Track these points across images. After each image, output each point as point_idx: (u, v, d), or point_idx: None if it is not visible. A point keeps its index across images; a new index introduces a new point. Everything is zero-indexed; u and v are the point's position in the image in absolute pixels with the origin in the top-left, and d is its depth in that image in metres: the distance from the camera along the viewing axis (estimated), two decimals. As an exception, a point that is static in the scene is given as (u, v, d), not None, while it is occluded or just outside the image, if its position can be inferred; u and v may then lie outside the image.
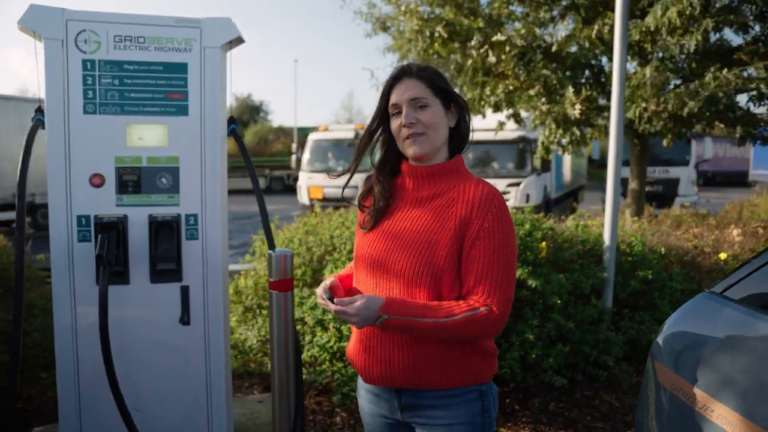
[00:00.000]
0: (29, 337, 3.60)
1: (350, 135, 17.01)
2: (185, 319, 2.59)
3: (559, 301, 3.62)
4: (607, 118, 5.91)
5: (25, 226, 2.41)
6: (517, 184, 13.92)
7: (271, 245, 2.68)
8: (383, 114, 1.70)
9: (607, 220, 4.18)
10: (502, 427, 3.44)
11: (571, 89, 5.31)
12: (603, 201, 15.81)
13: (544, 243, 3.92)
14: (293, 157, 19.04)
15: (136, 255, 2.53)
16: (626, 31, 3.83)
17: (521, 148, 14.12)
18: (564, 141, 5.55)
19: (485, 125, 14.25)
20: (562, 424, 3.47)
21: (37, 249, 4.47)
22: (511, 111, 7.00)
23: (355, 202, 1.82)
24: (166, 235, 2.54)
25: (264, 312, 4.30)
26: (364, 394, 1.75)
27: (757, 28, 5.15)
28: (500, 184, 13.88)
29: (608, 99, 6.11)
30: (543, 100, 5.37)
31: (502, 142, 14.10)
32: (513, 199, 13.54)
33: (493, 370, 1.64)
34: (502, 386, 3.74)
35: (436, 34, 5.67)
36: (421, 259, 1.53)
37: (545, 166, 16.35)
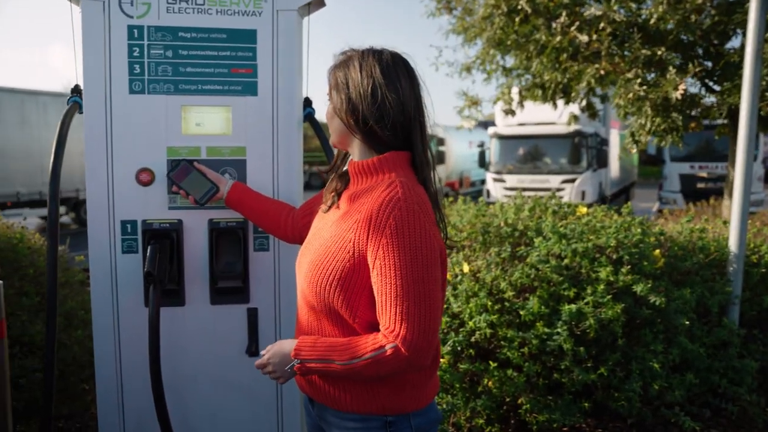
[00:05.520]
0: (68, 351, 3.17)
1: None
2: (253, 350, 2.08)
3: (687, 322, 3.01)
4: (707, 107, 5.23)
5: (57, 231, 1.94)
6: (572, 181, 13.20)
7: None
8: None
9: (733, 223, 3.51)
10: (619, 473, 2.85)
11: (673, 69, 4.64)
12: (659, 198, 15.00)
13: (658, 251, 3.30)
14: None
15: (193, 270, 2.03)
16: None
17: (577, 143, 13.34)
18: (660, 130, 4.89)
19: (539, 119, 13.55)
20: (693, 472, 2.86)
21: (78, 247, 4.00)
22: (584, 102, 6.35)
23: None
24: (230, 246, 2.04)
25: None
26: None
27: None
28: (554, 181, 13.17)
29: (708, 83, 5.39)
30: (638, 82, 4.72)
31: (557, 137, 13.35)
32: (567, 196, 12.80)
33: (415, 405, 1.45)
34: (617, 421, 3.14)
35: (519, 7, 5.07)
36: (319, 268, 1.41)
37: (602, 161, 15.49)
